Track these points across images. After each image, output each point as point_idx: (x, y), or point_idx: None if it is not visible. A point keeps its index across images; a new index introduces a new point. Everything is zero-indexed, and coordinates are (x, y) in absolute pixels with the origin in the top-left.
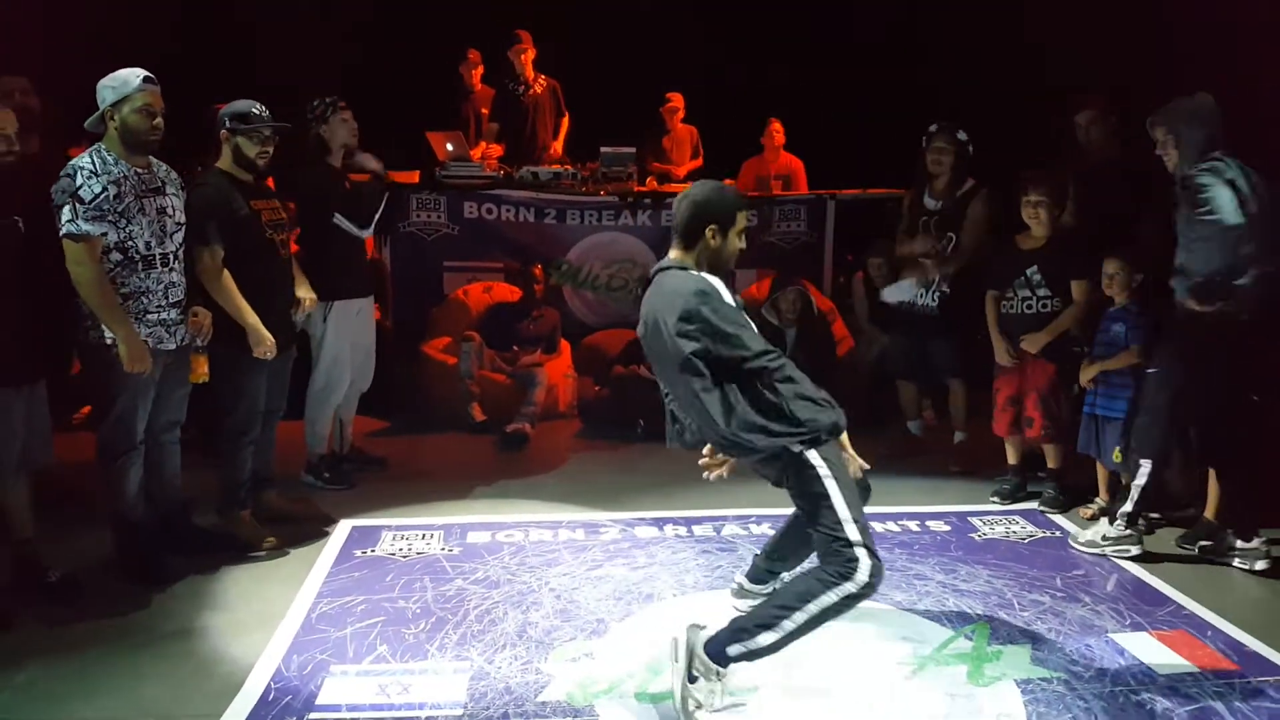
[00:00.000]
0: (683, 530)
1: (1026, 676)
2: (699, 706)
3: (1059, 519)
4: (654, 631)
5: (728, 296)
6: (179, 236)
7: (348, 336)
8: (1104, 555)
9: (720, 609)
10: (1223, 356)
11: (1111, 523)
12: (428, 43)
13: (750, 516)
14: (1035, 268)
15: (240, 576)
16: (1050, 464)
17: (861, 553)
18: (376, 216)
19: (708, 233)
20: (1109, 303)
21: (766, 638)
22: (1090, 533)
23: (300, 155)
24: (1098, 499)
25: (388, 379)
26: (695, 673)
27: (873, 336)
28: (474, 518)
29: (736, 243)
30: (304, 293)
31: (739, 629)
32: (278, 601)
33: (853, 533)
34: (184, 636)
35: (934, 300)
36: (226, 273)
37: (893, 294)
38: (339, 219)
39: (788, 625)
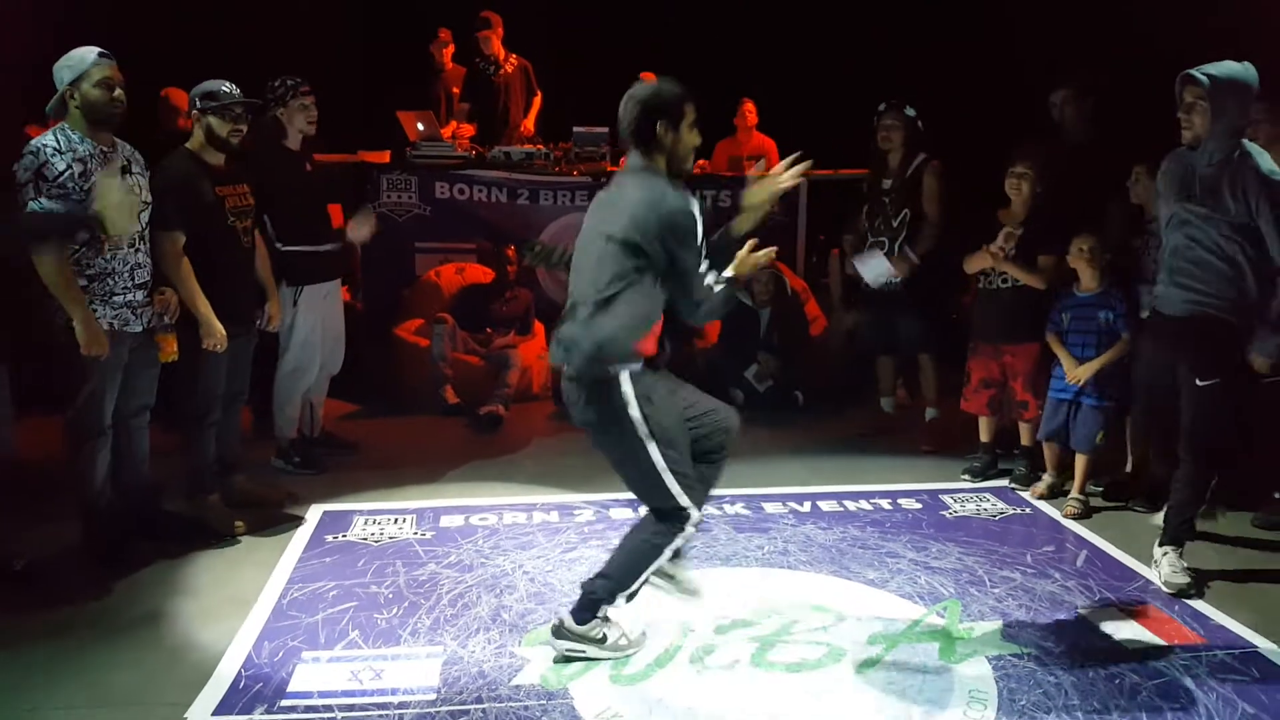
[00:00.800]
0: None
1: (998, 653)
2: (603, 640)
3: (1029, 496)
4: (628, 614)
5: (700, 231)
6: (144, 216)
7: (317, 320)
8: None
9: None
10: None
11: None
12: (398, 21)
13: (724, 497)
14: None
15: (210, 562)
16: (1024, 441)
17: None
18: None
19: (659, 129)
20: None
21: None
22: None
23: (256, 137)
24: (1046, 476)
25: (359, 362)
26: (582, 641)
27: (845, 314)
28: (447, 501)
29: (690, 137)
30: (273, 307)
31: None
32: (248, 587)
33: (672, 484)
34: (153, 623)
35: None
36: (186, 260)
37: (868, 272)
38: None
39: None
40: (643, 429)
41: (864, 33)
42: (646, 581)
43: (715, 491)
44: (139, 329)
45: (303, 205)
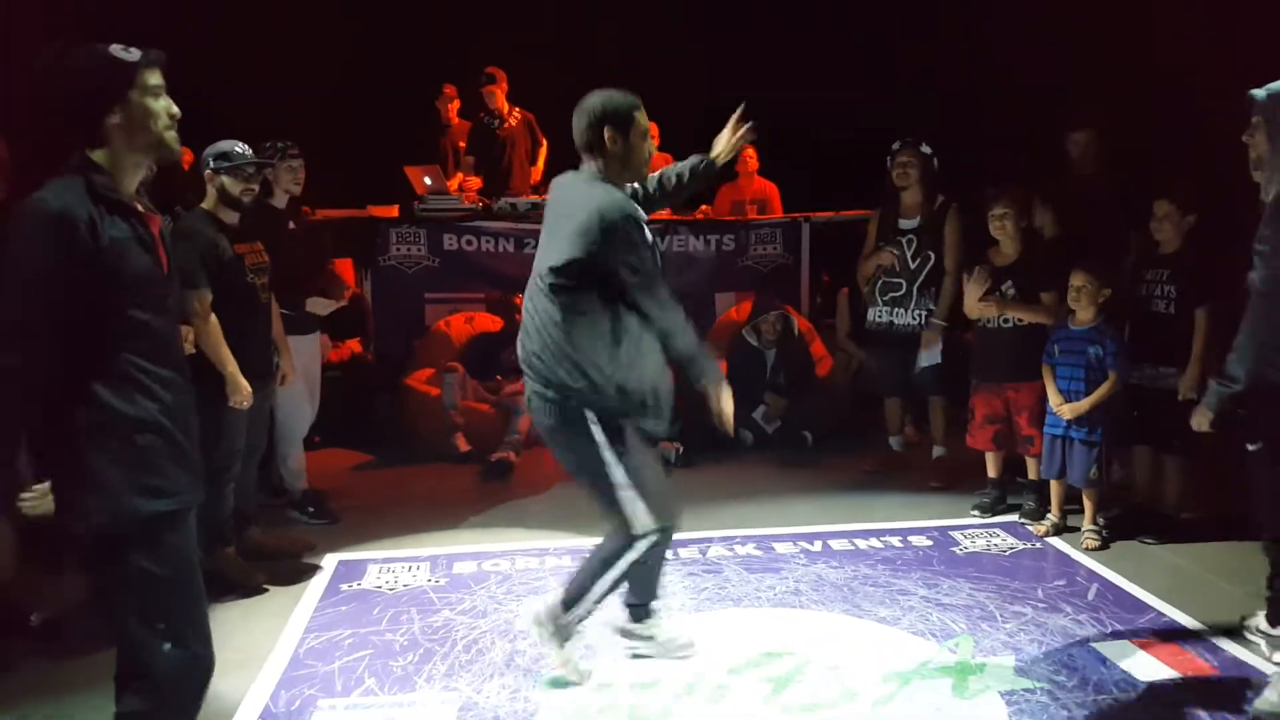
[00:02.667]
0: (668, 554)
1: (1011, 688)
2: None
3: (1036, 533)
4: (641, 655)
5: (649, 234)
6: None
7: (299, 372)
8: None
9: (708, 633)
10: None
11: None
12: (405, 78)
13: (735, 538)
14: (1010, 283)
15: (227, 614)
16: (1032, 475)
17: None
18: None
19: (606, 137)
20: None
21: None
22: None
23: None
24: (1050, 515)
25: (371, 412)
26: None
27: (852, 353)
28: (460, 548)
29: (643, 146)
30: (285, 364)
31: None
32: (265, 638)
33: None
34: None
35: (915, 319)
36: (214, 318)
37: (926, 359)
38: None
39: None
40: (600, 437)
41: (865, 75)
42: (596, 604)
43: (728, 533)
44: None
45: (280, 260)
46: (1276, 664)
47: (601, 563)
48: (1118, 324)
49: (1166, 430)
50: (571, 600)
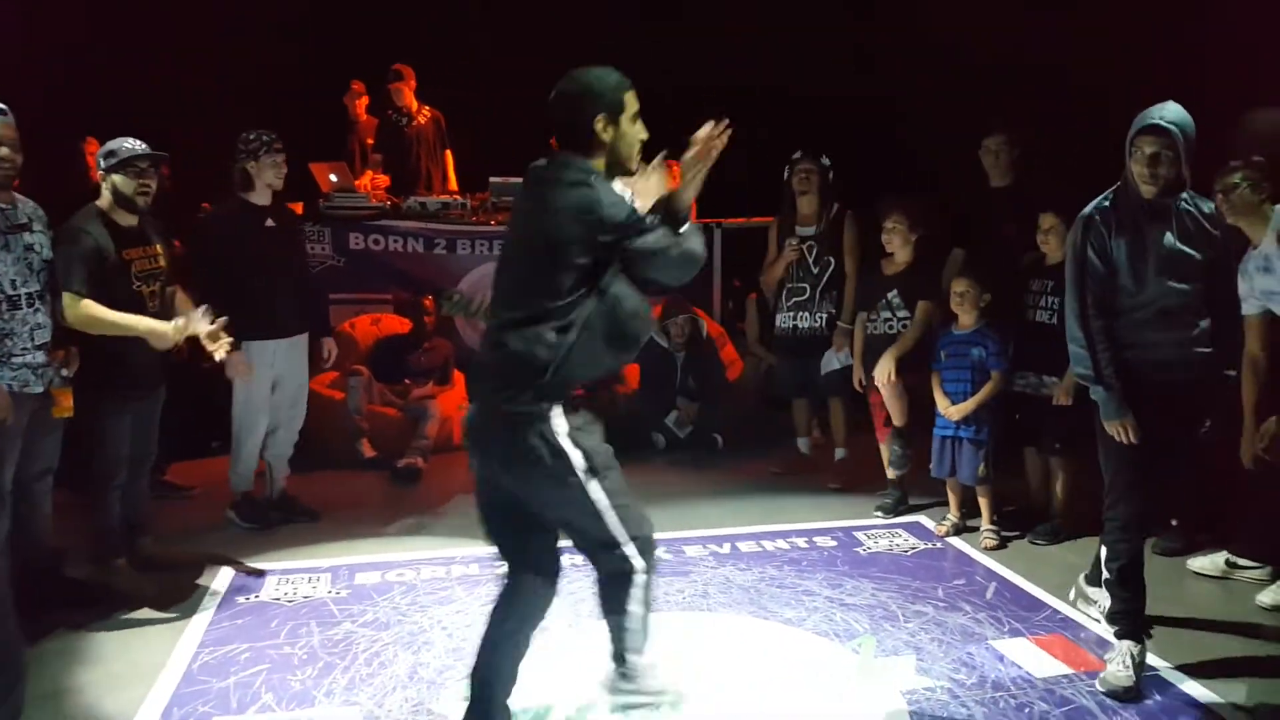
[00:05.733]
0: (579, 559)
1: (911, 686)
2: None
3: (937, 534)
4: (548, 664)
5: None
6: (45, 275)
7: (265, 379)
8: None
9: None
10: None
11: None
12: (312, 73)
13: None
14: (895, 291)
15: (117, 629)
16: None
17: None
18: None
19: (597, 126)
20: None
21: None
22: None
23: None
24: (950, 515)
25: None
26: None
27: (762, 357)
28: (363, 558)
29: (635, 131)
30: (235, 361)
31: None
32: (157, 653)
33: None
34: (55, 698)
35: (818, 322)
36: (93, 304)
37: (828, 365)
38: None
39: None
40: (580, 464)
41: (771, 86)
42: (643, 637)
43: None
44: (39, 390)
45: (255, 259)
46: (1096, 619)
47: (619, 607)
48: (1002, 329)
49: (1050, 436)
50: (620, 657)
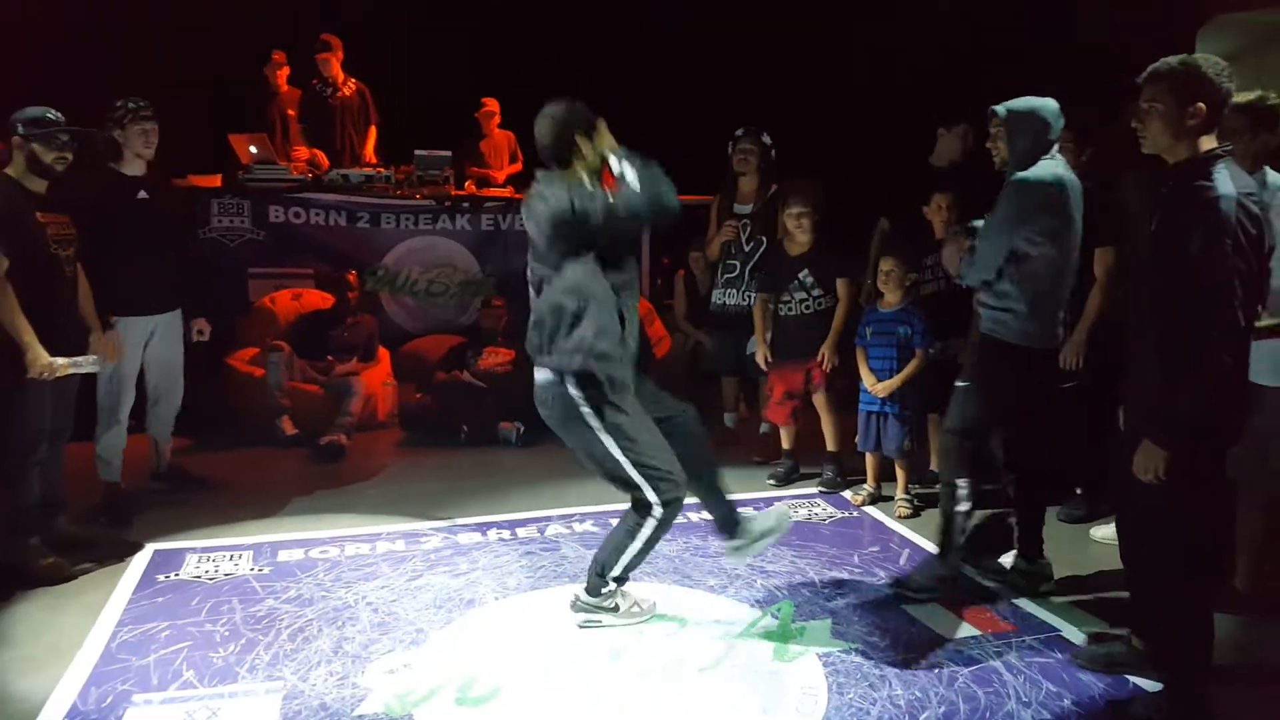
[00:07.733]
0: (506, 534)
1: (828, 650)
2: (616, 609)
3: (853, 503)
4: (475, 636)
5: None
6: None
7: (131, 354)
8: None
9: (543, 609)
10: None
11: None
12: (233, 43)
13: (574, 515)
14: (806, 270)
15: (30, 609)
16: (830, 447)
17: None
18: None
19: (579, 141)
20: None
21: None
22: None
23: (91, 158)
24: (867, 485)
25: (190, 393)
26: (598, 608)
27: (689, 334)
28: (286, 535)
29: (608, 142)
30: (99, 344)
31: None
32: (73, 633)
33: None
34: None
35: (746, 300)
36: (9, 286)
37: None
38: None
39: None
40: (594, 422)
41: (711, 60)
42: (634, 566)
43: (567, 511)
44: None
45: (124, 231)
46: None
47: (626, 534)
48: (925, 306)
49: (942, 399)
50: (598, 574)
